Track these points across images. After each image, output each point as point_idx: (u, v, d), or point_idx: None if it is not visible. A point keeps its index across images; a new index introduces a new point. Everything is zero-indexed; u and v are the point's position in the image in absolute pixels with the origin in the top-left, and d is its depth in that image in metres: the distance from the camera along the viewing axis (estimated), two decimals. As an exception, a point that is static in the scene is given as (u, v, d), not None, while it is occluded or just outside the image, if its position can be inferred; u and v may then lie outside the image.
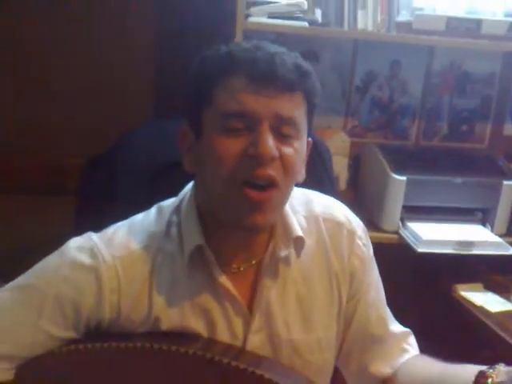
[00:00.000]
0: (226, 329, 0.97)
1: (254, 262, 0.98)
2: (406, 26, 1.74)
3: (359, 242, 1.05)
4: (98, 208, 1.23)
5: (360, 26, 1.79)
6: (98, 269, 0.91)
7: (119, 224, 0.99)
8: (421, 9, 1.74)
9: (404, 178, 1.77)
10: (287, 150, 0.88)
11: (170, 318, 0.94)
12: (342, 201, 2.00)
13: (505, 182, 1.82)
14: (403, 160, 1.85)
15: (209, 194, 0.93)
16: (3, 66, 1.78)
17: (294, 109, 0.88)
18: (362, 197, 1.96)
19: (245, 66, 0.86)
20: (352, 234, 1.05)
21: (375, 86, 1.99)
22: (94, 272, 0.91)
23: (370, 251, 1.08)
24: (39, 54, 1.82)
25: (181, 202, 0.99)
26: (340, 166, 2.00)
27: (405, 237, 1.76)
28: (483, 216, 1.86)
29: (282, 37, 1.89)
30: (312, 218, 1.03)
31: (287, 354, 1.00)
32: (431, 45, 1.87)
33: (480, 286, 1.75)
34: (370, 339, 1.06)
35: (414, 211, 1.82)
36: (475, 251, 1.71)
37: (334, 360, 1.06)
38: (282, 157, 0.88)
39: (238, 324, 0.97)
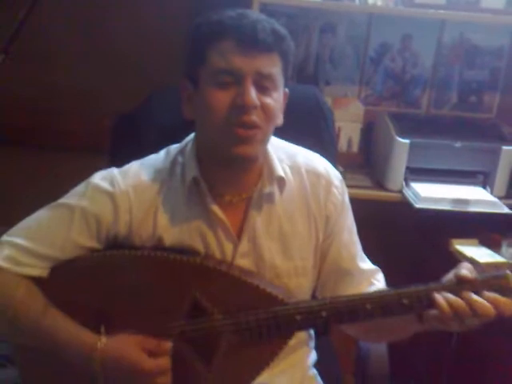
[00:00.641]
0: (218, 251, 1.17)
1: (244, 196, 1.18)
2: (410, 1, 1.88)
3: (335, 191, 1.24)
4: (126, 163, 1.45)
5: (371, 0, 1.95)
6: (114, 193, 1.14)
7: (135, 161, 1.21)
8: (424, -16, 1.88)
9: (407, 141, 1.93)
10: (267, 100, 1.08)
11: (171, 237, 1.15)
12: (353, 163, 2.20)
13: (504, 147, 1.95)
14: (409, 126, 2.01)
15: (205, 136, 1.13)
16: (49, 34, 1.99)
17: (272, 66, 1.08)
18: (372, 159, 2.13)
19: (233, 32, 1.06)
20: (329, 183, 1.24)
21: (388, 58, 2.15)
22: (112, 196, 1.14)
23: (344, 199, 1.26)
24: (86, 21, 2.03)
25: (185, 145, 1.21)
26: (353, 132, 2.17)
27: (407, 195, 1.92)
28: (484, 179, 1.99)
29: (301, 11, 2.08)
30: (295, 168, 1.22)
31: (269, 277, 1.19)
32: (436, 18, 2.00)
33: (475, 241, 1.89)
34: (342, 273, 1.24)
35: (418, 172, 1.97)
36: (470, 209, 1.86)
37: (308, 286, 1.24)
38: (262, 105, 1.08)
39: (229, 248, 1.18)
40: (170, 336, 1.10)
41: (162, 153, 1.23)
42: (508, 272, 1.02)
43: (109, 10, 2.01)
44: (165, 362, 1.09)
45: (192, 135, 1.21)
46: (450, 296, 1.02)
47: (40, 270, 1.14)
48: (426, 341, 2.18)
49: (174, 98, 1.51)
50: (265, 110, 1.08)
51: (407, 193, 1.93)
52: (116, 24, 2.02)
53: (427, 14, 1.92)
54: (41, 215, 1.16)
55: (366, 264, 1.26)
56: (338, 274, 1.24)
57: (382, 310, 1.05)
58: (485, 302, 1.00)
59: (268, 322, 1.08)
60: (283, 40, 1.09)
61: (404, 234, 2.08)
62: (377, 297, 1.07)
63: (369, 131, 2.16)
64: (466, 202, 1.87)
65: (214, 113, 1.07)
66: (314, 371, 1.34)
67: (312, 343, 1.34)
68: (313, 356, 1.35)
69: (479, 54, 2.15)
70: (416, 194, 1.90)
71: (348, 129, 2.16)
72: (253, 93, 1.06)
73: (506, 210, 1.87)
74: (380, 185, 2.01)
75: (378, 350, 1.40)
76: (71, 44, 2.04)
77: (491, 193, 1.97)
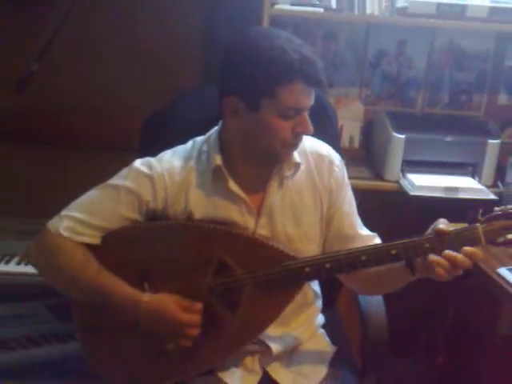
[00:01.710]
0: (241, 224, 1.40)
1: (263, 180, 1.41)
2: (404, 11, 2.11)
3: (336, 169, 1.47)
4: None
5: (368, 11, 2.17)
6: (152, 175, 1.37)
7: (167, 150, 1.44)
8: (416, -5, 2.11)
9: (403, 136, 2.15)
10: None
11: (200, 211, 1.38)
12: (355, 157, 2.43)
13: (490, 141, 2.17)
14: (405, 123, 2.23)
15: (254, 144, 1.35)
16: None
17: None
18: (371, 154, 2.35)
19: (302, 76, 1.25)
20: (331, 163, 1.47)
21: (385, 62, 2.37)
22: (150, 178, 1.37)
23: (344, 176, 1.50)
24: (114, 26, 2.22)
25: (209, 137, 1.44)
26: (354, 129, 2.39)
27: (403, 184, 2.14)
28: (473, 169, 2.21)
29: (306, 21, 2.32)
30: (302, 152, 1.45)
31: (283, 243, 1.42)
32: (427, 26, 2.22)
33: (464, 224, 2.10)
34: (345, 238, 1.46)
35: (413, 164, 2.19)
36: (460, 195, 2.07)
37: (316, 251, 1.45)
38: None
39: (251, 221, 1.41)
40: (201, 291, 1.32)
41: (190, 143, 1.46)
42: (477, 224, 1.24)
43: (135, 15, 2.22)
44: (196, 317, 1.32)
45: (214, 129, 1.44)
46: (433, 254, 1.23)
47: (93, 238, 1.37)
48: (424, 316, 2.41)
49: (195, 100, 1.76)
50: (310, 133, 1.35)
51: (403, 182, 2.15)
52: (140, 28, 2.23)
53: (419, 22, 2.15)
54: (92, 194, 1.39)
55: (364, 231, 1.49)
56: (341, 240, 1.45)
57: (374, 260, 1.28)
58: (461, 255, 1.22)
59: (282, 274, 1.30)
60: (324, 77, 1.31)
61: (401, 220, 2.29)
62: (370, 249, 1.30)
63: (368, 128, 2.39)
64: (456, 189, 2.09)
65: (278, 136, 1.30)
66: (322, 331, 1.57)
67: (319, 303, 1.56)
68: (320, 318, 1.57)
69: (467, 57, 2.37)
70: (411, 184, 2.12)
71: (349, 127, 2.38)
72: (310, 124, 1.31)
73: (492, 197, 2.08)
74: (379, 176, 2.24)
75: (377, 314, 1.61)
76: (108, 51, 2.25)
77: (479, 182, 2.18)
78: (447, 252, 1.23)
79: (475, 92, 2.41)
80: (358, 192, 2.17)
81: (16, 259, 2.10)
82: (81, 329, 1.46)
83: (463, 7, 2.08)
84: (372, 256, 1.28)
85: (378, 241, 1.48)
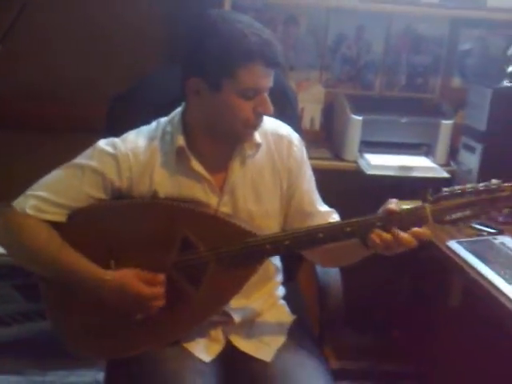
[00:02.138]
0: (205, 201, 1.47)
1: (225, 159, 1.47)
2: (362, -4, 2.20)
3: (295, 149, 1.54)
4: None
5: (328, -4, 2.26)
6: (116, 155, 1.42)
7: (131, 131, 1.49)
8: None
9: (360, 117, 2.24)
10: None
11: (165, 190, 1.44)
12: (316, 139, 2.51)
13: (443, 121, 2.28)
14: (363, 105, 2.32)
15: (216, 124, 1.40)
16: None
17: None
18: (331, 135, 2.44)
19: (261, 57, 1.30)
20: (290, 143, 1.54)
21: (345, 46, 2.45)
22: (115, 157, 1.42)
23: (303, 155, 1.56)
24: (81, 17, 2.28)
25: (173, 118, 1.49)
26: (315, 112, 2.47)
27: (360, 164, 2.24)
28: (427, 149, 2.32)
29: (267, 6, 2.38)
30: (263, 132, 1.50)
31: (246, 220, 1.49)
32: (384, 11, 2.31)
33: (418, 202, 2.20)
34: (305, 215, 1.53)
35: (370, 145, 2.29)
36: (414, 174, 2.18)
37: (277, 228, 1.52)
38: None
39: (213, 199, 1.47)
40: (166, 266, 1.39)
41: (154, 124, 1.51)
42: (426, 204, 1.33)
43: (98, 7, 2.27)
44: (159, 289, 1.38)
45: (178, 110, 1.50)
46: (383, 233, 1.31)
47: (59, 216, 1.41)
48: (380, 290, 2.52)
49: (159, 81, 1.81)
50: (270, 113, 1.41)
51: (361, 162, 2.25)
52: (106, 19, 2.28)
53: (376, 7, 2.24)
54: (57, 173, 1.44)
55: (323, 207, 1.56)
56: (301, 216, 1.53)
57: (330, 237, 1.36)
58: (407, 235, 1.30)
59: (243, 250, 1.38)
60: (283, 58, 1.37)
61: (359, 198, 2.39)
62: (327, 227, 1.38)
63: (329, 111, 2.47)
64: (410, 168, 2.19)
65: (239, 116, 1.36)
66: (283, 302, 1.65)
67: (280, 276, 1.64)
68: (281, 289, 1.65)
69: (423, 42, 2.47)
70: (368, 163, 2.21)
71: (310, 109, 2.46)
72: (270, 104, 1.37)
73: (444, 174, 2.19)
74: (338, 156, 2.33)
75: (334, 286, 1.70)
76: (68, 38, 2.29)
77: (433, 161, 2.29)
78: (393, 230, 1.31)
79: (430, 75, 2.52)
80: (318, 172, 2.26)
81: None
82: (50, 306, 1.51)
83: (417, -7, 2.18)
84: (328, 233, 1.36)
85: (336, 217, 1.56)
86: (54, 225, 1.42)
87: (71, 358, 2.24)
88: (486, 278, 1.63)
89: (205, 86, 1.36)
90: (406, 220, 1.32)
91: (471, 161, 2.17)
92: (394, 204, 1.34)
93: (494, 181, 1.35)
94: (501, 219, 2.04)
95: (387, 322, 2.57)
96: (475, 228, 1.96)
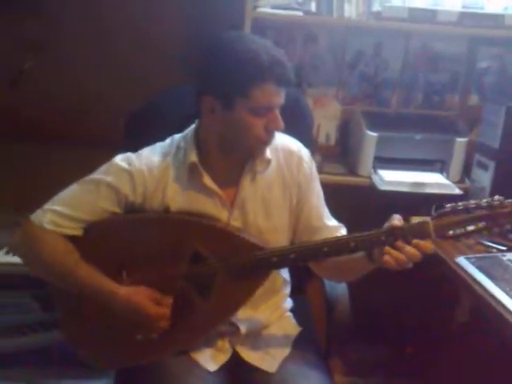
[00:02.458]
0: (216, 216, 1.51)
1: (236, 175, 1.52)
2: (378, 15, 2.23)
3: (305, 165, 1.59)
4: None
5: (346, 14, 2.29)
6: (131, 171, 1.48)
7: (146, 147, 1.55)
8: (388, 1, 2.23)
9: (376, 134, 2.27)
10: None
11: (177, 205, 1.49)
12: (331, 154, 2.55)
13: (457, 139, 2.30)
14: (379, 122, 2.35)
15: (229, 141, 1.46)
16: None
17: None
18: (346, 151, 2.48)
19: (273, 77, 1.35)
20: (300, 159, 1.58)
21: (362, 63, 2.49)
22: (130, 173, 1.48)
23: (312, 171, 1.61)
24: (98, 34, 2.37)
25: (186, 135, 1.55)
26: (331, 128, 2.51)
27: (374, 180, 2.27)
28: (441, 166, 2.34)
29: (287, 24, 2.43)
30: (273, 148, 1.55)
31: (255, 234, 1.54)
32: (400, 29, 2.34)
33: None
34: (313, 229, 1.57)
35: (384, 161, 2.32)
36: (427, 190, 2.20)
37: (285, 242, 1.56)
38: None
39: (224, 213, 1.52)
40: (176, 279, 1.44)
41: (168, 140, 1.57)
42: (428, 219, 1.36)
43: (116, 24, 2.35)
44: (165, 310, 1.43)
45: (192, 126, 1.55)
46: (393, 252, 1.34)
47: (75, 230, 1.47)
48: (393, 308, 2.53)
49: (175, 98, 1.87)
50: (281, 129, 1.46)
51: (374, 178, 2.28)
52: (122, 38, 2.37)
53: (393, 25, 2.28)
54: (74, 188, 1.50)
55: (331, 222, 1.60)
56: (309, 231, 1.57)
57: (335, 251, 1.40)
58: (412, 248, 1.33)
59: (251, 263, 1.42)
60: (294, 77, 1.42)
61: (371, 213, 2.41)
62: (331, 241, 1.42)
63: (345, 127, 2.51)
64: (423, 185, 2.21)
65: (251, 132, 1.41)
66: (290, 314, 1.69)
67: (287, 289, 1.68)
68: (288, 301, 1.70)
69: (441, 60, 2.49)
70: (381, 179, 2.24)
71: (326, 125, 2.50)
72: (281, 120, 1.42)
73: (457, 191, 2.20)
74: (353, 172, 2.36)
75: (342, 300, 1.73)
76: (88, 53, 2.38)
77: (447, 178, 2.31)
78: (398, 243, 1.34)
79: (448, 93, 2.53)
80: (332, 186, 2.30)
81: (4, 250, 2.21)
82: (63, 315, 1.58)
83: (434, 12, 2.21)
84: (333, 248, 1.40)
85: (343, 231, 1.60)
86: (71, 238, 1.48)
87: (83, 368, 2.32)
88: (492, 295, 1.64)
89: (218, 104, 1.41)
90: (408, 235, 1.35)
91: (484, 178, 2.19)
92: (397, 220, 1.37)
93: (496, 197, 1.37)
94: (511, 236, 2.06)
95: (399, 338, 2.58)
96: (485, 245, 1.98)
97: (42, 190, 1.50)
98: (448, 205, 1.40)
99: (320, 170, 2.32)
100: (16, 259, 2.09)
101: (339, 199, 2.17)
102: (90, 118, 2.38)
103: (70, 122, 2.36)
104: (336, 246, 1.40)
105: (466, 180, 2.34)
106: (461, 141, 2.30)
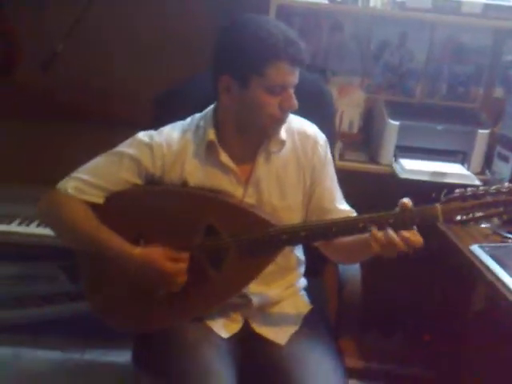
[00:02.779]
0: (231, 192, 1.57)
1: (251, 153, 1.57)
2: (403, 5, 2.25)
3: (320, 148, 1.63)
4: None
5: (371, 4, 2.32)
6: (152, 144, 1.55)
7: (168, 125, 1.61)
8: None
9: (397, 123, 2.30)
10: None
11: (194, 180, 1.55)
12: (354, 142, 2.58)
13: (479, 131, 2.30)
14: (401, 111, 2.37)
15: (245, 119, 1.51)
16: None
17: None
18: (369, 139, 2.50)
19: (287, 55, 1.41)
20: (315, 142, 1.62)
21: (387, 53, 2.51)
22: (150, 146, 1.55)
23: (327, 154, 1.65)
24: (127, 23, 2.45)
25: (206, 114, 1.61)
26: (354, 116, 2.54)
27: (394, 168, 2.29)
28: (463, 157, 2.35)
29: (313, 12, 2.46)
30: (290, 131, 1.61)
31: (269, 212, 1.58)
32: (426, 20, 2.35)
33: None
34: (324, 211, 1.62)
35: (406, 150, 2.33)
36: (446, 180, 2.21)
37: (299, 221, 1.61)
38: None
39: (239, 190, 1.57)
40: (191, 248, 1.50)
41: (189, 119, 1.63)
42: (437, 204, 1.39)
43: (143, 16, 2.44)
44: (182, 266, 1.48)
45: (211, 107, 1.61)
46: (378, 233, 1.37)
47: (96, 198, 1.55)
48: (411, 297, 2.55)
49: (200, 84, 1.91)
50: (295, 108, 1.50)
51: (395, 166, 2.30)
52: (149, 29, 2.45)
53: (417, 16, 2.29)
54: (99, 159, 1.58)
55: (343, 205, 1.64)
56: (320, 212, 1.61)
57: (343, 231, 1.44)
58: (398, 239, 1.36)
59: (262, 239, 1.47)
60: (308, 56, 1.48)
61: (392, 201, 2.44)
62: (340, 221, 1.46)
63: (368, 115, 2.53)
64: (443, 174, 2.23)
65: (266, 110, 1.46)
66: (303, 292, 1.73)
67: (302, 268, 1.73)
68: (302, 281, 1.74)
69: (466, 51, 2.49)
70: (402, 167, 2.26)
71: (350, 113, 2.53)
72: (295, 99, 1.47)
73: (476, 182, 2.21)
74: (374, 160, 2.39)
75: (353, 282, 1.76)
76: (117, 41, 2.46)
77: (468, 169, 2.32)
78: (402, 233, 1.37)
79: (472, 84, 2.54)
80: (354, 174, 2.34)
81: (36, 222, 2.30)
82: (86, 279, 1.65)
83: (459, 3, 2.22)
84: (342, 227, 1.44)
85: (353, 215, 1.63)
86: (93, 206, 1.55)
87: (108, 339, 2.42)
88: (503, 283, 1.66)
89: (234, 83, 1.46)
90: (417, 218, 1.38)
91: (504, 170, 2.19)
92: (407, 199, 1.40)
93: (506, 184, 1.39)
94: (529, 228, 2.07)
95: (416, 326, 2.60)
96: (501, 235, 1.99)
97: (72, 166, 1.59)
98: (457, 190, 1.42)
99: (342, 158, 2.40)
100: (44, 231, 2.21)
101: (360, 186, 2.21)
102: (117, 101, 2.46)
103: (98, 104, 2.44)
104: (344, 226, 1.44)
105: (487, 171, 2.35)
106: (483, 132, 2.31)
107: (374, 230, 1.38)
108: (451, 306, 2.37)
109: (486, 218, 1.40)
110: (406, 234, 1.36)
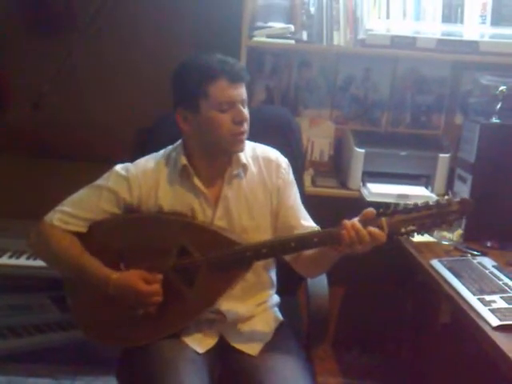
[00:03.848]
0: (202, 215, 1.71)
1: (219, 176, 1.72)
2: (364, 42, 2.43)
3: (283, 171, 1.78)
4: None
5: (335, 42, 2.50)
6: (128, 177, 1.70)
7: (143, 157, 1.77)
8: (371, 30, 2.43)
9: (363, 150, 2.46)
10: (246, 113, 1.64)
11: (168, 205, 1.70)
12: (325, 169, 2.73)
13: (440, 155, 2.47)
14: (367, 139, 2.54)
15: (206, 140, 1.67)
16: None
17: (245, 92, 1.64)
18: (339, 166, 2.66)
19: (225, 74, 1.60)
20: (278, 166, 1.78)
21: (353, 86, 2.69)
22: (127, 178, 1.70)
23: (290, 176, 1.80)
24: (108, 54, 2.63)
25: (176, 145, 1.77)
26: (325, 145, 2.70)
27: (362, 192, 2.45)
28: (426, 180, 2.51)
29: (283, 51, 2.65)
30: (255, 157, 1.77)
31: (238, 233, 1.72)
32: (385, 55, 2.53)
33: (415, 228, 2.39)
34: (289, 228, 1.75)
35: (373, 175, 2.49)
36: (411, 201, 2.36)
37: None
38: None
39: (209, 212, 1.72)
40: (165, 269, 1.64)
41: (162, 151, 1.79)
42: (383, 218, 1.52)
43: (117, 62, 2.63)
44: (156, 287, 1.62)
45: (180, 140, 1.76)
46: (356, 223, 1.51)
47: (79, 227, 1.70)
48: (386, 314, 2.68)
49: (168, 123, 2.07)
50: (246, 120, 1.65)
51: (363, 190, 2.46)
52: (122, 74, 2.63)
53: (378, 52, 2.47)
54: (81, 192, 1.73)
55: (307, 222, 1.78)
56: (287, 229, 1.75)
57: (301, 246, 1.59)
58: (364, 231, 1.49)
59: (229, 256, 1.61)
60: (247, 75, 1.66)
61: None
62: (297, 237, 1.62)
63: (338, 145, 2.70)
64: (407, 196, 2.38)
65: (222, 128, 1.62)
66: (276, 308, 1.86)
67: (273, 290, 1.86)
68: (275, 297, 1.87)
69: (427, 82, 2.68)
70: (369, 191, 2.42)
71: (321, 142, 2.69)
72: (244, 112, 1.63)
73: (439, 203, 2.36)
74: (344, 185, 2.55)
75: (320, 296, 1.89)
76: (96, 77, 2.64)
77: (432, 191, 2.48)
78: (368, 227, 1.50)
79: (434, 113, 2.72)
80: (326, 199, 2.48)
81: (26, 255, 2.44)
82: (73, 302, 1.78)
83: (414, 39, 2.40)
84: (299, 242, 1.60)
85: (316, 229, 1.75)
86: (77, 234, 1.70)
87: (98, 366, 2.53)
88: (458, 292, 1.79)
89: (187, 112, 1.65)
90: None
91: (463, 190, 2.34)
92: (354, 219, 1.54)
93: (446, 197, 1.55)
94: (489, 244, 2.22)
95: (394, 342, 2.73)
96: (461, 250, 2.14)
97: (57, 201, 1.74)
98: (401, 204, 1.56)
99: (314, 184, 2.56)
100: (34, 263, 2.34)
101: (332, 209, 2.35)
102: (98, 139, 2.64)
103: (79, 141, 2.62)
104: (302, 241, 1.59)
105: (449, 192, 2.50)
106: (444, 156, 2.48)
107: (345, 221, 1.51)
108: (422, 319, 2.49)
109: (428, 229, 1.54)
110: (371, 228, 1.50)
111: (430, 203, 1.52)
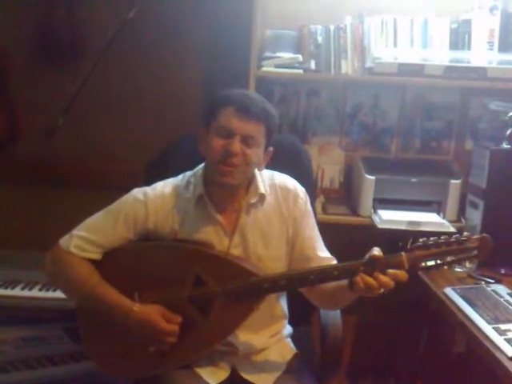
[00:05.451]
0: (218, 243, 1.71)
1: (236, 206, 1.72)
2: (371, 70, 2.45)
3: (300, 201, 1.78)
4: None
5: (343, 71, 2.53)
6: (146, 202, 1.71)
7: (160, 182, 1.78)
8: (379, 58, 2.45)
9: (373, 177, 2.47)
10: (247, 151, 1.63)
11: (184, 232, 1.70)
12: (335, 196, 2.74)
13: (452, 181, 2.47)
14: (378, 166, 2.55)
15: (208, 166, 1.70)
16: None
17: (256, 132, 1.64)
18: (349, 193, 2.67)
19: (234, 103, 1.62)
20: (296, 196, 1.78)
21: (362, 114, 2.71)
22: (145, 204, 1.71)
23: (307, 206, 1.80)
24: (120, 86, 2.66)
25: (197, 171, 1.77)
26: (335, 173, 2.71)
27: (373, 219, 2.45)
28: (438, 206, 2.51)
29: (291, 80, 2.67)
30: (273, 186, 1.77)
31: (254, 262, 1.72)
32: (393, 83, 2.55)
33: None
34: (305, 258, 1.75)
35: (384, 202, 2.50)
36: (422, 228, 2.36)
37: (283, 270, 1.74)
38: (244, 153, 1.63)
39: (225, 241, 1.72)
40: (181, 299, 1.63)
41: (180, 176, 1.79)
42: (403, 253, 1.53)
43: (139, 75, 2.65)
44: (175, 328, 1.62)
45: (202, 164, 1.77)
46: (365, 277, 1.52)
47: (96, 254, 1.70)
48: (402, 343, 2.65)
49: (190, 143, 2.10)
50: (245, 157, 1.64)
51: (374, 217, 2.45)
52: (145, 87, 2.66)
53: (386, 80, 2.49)
54: (97, 216, 1.73)
55: (324, 253, 1.78)
56: (303, 260, 1.75)
57: (320, 279, 1.58)
58: (386, 277, 1.50)
59: (246, 287, 1.61)
60: (270, 117, 1.67)
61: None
62: (317, 270, 1.61)
63: (348, 172, 2.71)
64: (418, 223, 2.38)
65: (213, 152, 1.64)
66: (289, 339, 1.85)
67: (286, 320, 1.85)
68: (288, 328, 1.86)
69: (435, 109, 2.69)
70: (380, 218, 2.42)
71: (330, 170, 2.71)
72: (236, 145, 1.61)
73: (451, 229, 2.36)
74: (355, 212, 2.55)
75: (334, 327, 1.87)
76: (109, 104, 2.66)
77: (443, 218, 2.47)
78: (375, 273, 1.51)
79: (444, 138, 2.72)
80: (337, 226, 2.48)
81: (38, 286, 2.44)
82: (85, 332, 1.78)
83: (421, 66, 2.41)
84: (318, 276, 1.59)
85: (334, 262, 1.76)
86: (92, 261, 1.70)
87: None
88: (471, 320, 1.78)
89: (204, 131, 1.68)
90: (385, 265, 1.52)
91: (475, 216, 2.34)
92: (376, 251, 1.54)
93: (465, 233, 1.55)
94: (502, 271, 2.20)
95: (408, 370, 2.69)
96: (474, 277, 2.12)
97: (69, 230, 1.73)
98: (420, 239, 1.56)
99: (325, 211, 2.56)
100: (47, 294, 2.34)
101: (343, 237, 2.35)
102: (112, 167, 2.66)
103: (90, 171, 2.64)
104: (321, 274, 1.59)
105: (462, 219, 2.50)
106: (455, 182, 2.47)
107: (362, 275, 1.51)
108: (436, 348, 2.47)
109: (448, 265, 1.54)
110: (391, 271, 1.50)
111: (451, 240, 1.52)
